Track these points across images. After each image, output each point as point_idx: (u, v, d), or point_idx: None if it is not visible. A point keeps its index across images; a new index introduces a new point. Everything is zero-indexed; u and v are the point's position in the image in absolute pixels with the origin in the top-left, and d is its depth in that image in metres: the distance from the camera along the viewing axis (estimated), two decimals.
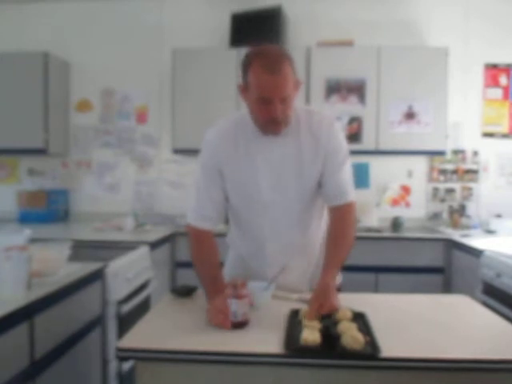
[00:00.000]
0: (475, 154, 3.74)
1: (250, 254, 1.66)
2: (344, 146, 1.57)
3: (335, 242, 1.50)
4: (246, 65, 1.42)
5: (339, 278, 1.74)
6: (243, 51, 3.71)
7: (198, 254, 1.56)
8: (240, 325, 1.26)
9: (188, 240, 1.60)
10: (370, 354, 1.08)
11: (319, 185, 1.56)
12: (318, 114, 1.56)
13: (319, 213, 1.64)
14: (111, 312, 2.15)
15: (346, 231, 1.52)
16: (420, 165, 3.79)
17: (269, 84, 1.36)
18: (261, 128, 1.48)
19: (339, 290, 1.72)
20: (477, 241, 2.96)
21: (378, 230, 3.44)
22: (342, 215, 1.53)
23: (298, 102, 1.54)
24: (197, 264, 1.54)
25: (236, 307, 1.26)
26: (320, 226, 1.66)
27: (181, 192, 3.84)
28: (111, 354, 2.13)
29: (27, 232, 1.56)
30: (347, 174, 1.56)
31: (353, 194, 1.56)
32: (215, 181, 1.55)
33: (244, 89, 1.45)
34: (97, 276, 2.04)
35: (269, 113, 1.40)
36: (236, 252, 1.75)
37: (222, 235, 1.72)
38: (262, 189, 1.52)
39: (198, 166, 1.59)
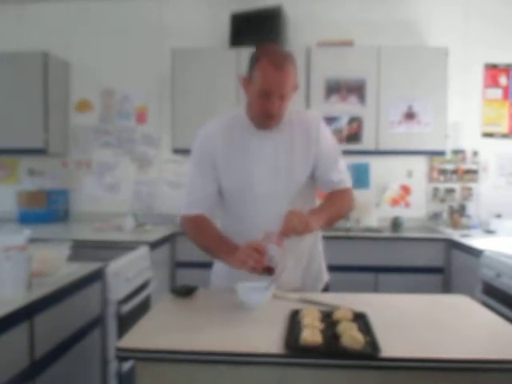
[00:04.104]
0: (475, 154, 3.75)
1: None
2: (333, 139, 1.68)
3: (328, 200, 1.60)
4: (254, 59, 1.50)
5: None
6: (243, 51, 3.73)
7: (197, 232, 1.59)
8: (270, 270, 1.29)
9: (184, 230, 1.63)
10: (370, 354, 1.08)
11: (312, 177, 1.63)
12: (305, 113, 1.70)
13: (309, 207, 1.67)
14: (111, 312, 2.15)
15: (334, 198, 1.61)
16: (420, 165, 3.79)
17: (273, 78, 1.45)
18: (255, 120, 1.57)
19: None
20: (477, 241, 2.97)
21: (377, 230, 3.44)
22: (340, 192, 1.63)
23: (294, 103, 1.60)
24: (199, 239, 1.58)
25: (274, 252, 1.30)
26: None
27: (180, 192, 3.83)
28: (111, 353, 2.13)
29: (27, 232, 1.56)
30: (343, 165, 1.66)
31: (349, 182, 1.66)
32: (208, 172, 1.59)
33: (247, 81, 1.53)
34: (97, 276, 2.04)
35: (266, 107, 1.48)
36: None
37: None
38: (254, 181, 1.57)
39: (190, 161, 1.63)
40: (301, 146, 1.59)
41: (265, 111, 1.50)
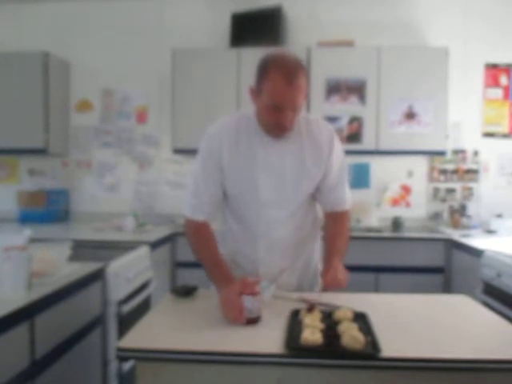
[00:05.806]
0: (475, 153, 3.74)
1: (242, 250, 1.66)
2: (343, 156, 1.65)
3: (334, 239, 1.61)
4: (263, 70, 1.43)
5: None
6: (243, 51, 3.73)
7: (197, 245, 1.58)
8: (254, 321, 1.28)
9: (186, 233, 1.62)
10: (370, 354, 1.08)
11: (317, 189, 1.62)
12: (316, 122, 1.61)
13: (311, 213, 1.69)
14: (111, 312, 2.15)
15: (342, 231, 1.64)
16: (420, 165, 3.79)
17: (284, 94, 1.39)
18: (265, 129, 1.52)
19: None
20: (477, 241, 2.96)
21: (378, 230, 3.44)
22: (339, 218, 1.66)
23: None
24: (198, 253, 1.57)
25: (251, 304, 1.28)
26: (312, 226, 1.70)
27: (181, 192, 3.83)
28: (111, 354, 2.13)
29: (27, 232, 1.56)
30: (347, 183, 1.67)
31: (350, 203, 1.69)
32: (214, 175, 1.57)
33: (255, 92, 1.48)
34: (97, 276, 2.04)
35: (278, 119, 1.44)
36: (225, 250, 1.73)
37: None
38: (259, 187, 1.55)
39: (197, 160, 1.60)
40: (311, 158, 1.55)
41: (276, 123, 1.45)
